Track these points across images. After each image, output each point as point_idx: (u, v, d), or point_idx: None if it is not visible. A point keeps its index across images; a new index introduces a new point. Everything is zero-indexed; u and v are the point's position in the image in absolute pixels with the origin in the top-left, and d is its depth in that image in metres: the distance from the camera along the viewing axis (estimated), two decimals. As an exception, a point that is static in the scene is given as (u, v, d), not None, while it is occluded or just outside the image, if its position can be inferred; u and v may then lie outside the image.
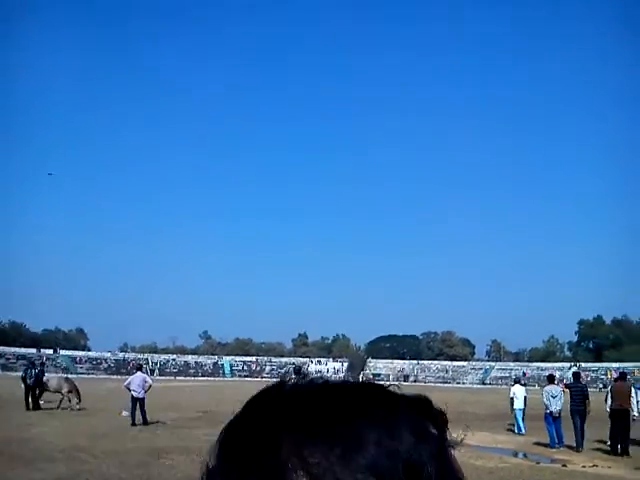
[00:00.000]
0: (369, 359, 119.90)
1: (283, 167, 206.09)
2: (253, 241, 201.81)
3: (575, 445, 14.76)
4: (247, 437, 0.62)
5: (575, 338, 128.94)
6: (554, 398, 15.49)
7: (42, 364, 25.84)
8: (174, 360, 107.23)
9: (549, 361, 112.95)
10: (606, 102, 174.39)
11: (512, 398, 19.48)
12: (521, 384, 20.66)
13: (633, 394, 14.96)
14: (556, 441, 15.21)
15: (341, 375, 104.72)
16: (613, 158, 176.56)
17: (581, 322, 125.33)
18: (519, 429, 19.10)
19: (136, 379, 18.47)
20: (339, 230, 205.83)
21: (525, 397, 19.32)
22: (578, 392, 15.85)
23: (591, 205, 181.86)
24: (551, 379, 16.81)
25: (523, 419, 20.43)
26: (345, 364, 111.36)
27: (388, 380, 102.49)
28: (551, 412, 15.40)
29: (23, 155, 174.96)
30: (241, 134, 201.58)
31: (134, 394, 18.07)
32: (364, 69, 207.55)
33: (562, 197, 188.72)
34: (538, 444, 16.21)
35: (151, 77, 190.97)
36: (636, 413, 14.94)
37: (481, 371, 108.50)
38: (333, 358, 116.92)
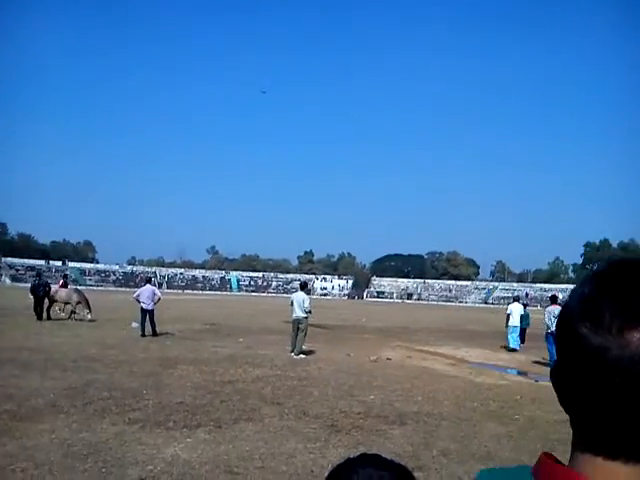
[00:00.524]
0: (374, 277, 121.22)
1: (298, 97, 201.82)
2: (263, 161, 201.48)
3: None
4: None
5: (580, 261, 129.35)
6: (556, 318, 15.62)
7: (41, 275, 25.41)
8: (182, 274, 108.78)
9: (553, 282, 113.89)
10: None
11: (508, 315, 19.87)
12: (520, 302, 20.83)
13: None
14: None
15: (346, 292, 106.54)
16: (621, 80, 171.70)
17: (587, 245, 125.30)
18: (511, 344, 19.47)
19: (145, 291, 18.64)
20: (348, 152, 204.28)
21: (522, 315, 19.52)
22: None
23: (598, 128, 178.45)
24: (554, 299, 16.86)
25: (523, 339, 21.32)
26: (350, 282, 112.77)
27: (392, 298, 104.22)
28: (552, 332, 15.59)
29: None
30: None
31: (143, 306, 18.30)
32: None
33: (568, 120, 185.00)
34: (538, 363, 16.51)
35: None
36: None
37: (484, 291, 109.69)
38: (338, 275, 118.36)
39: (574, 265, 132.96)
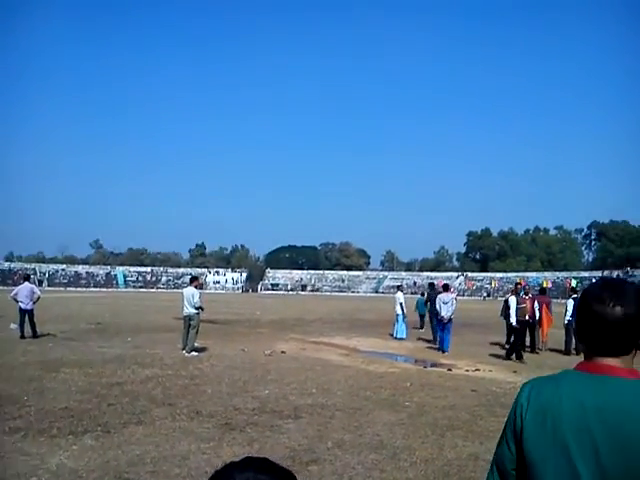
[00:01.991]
0: (268, 269, 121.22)
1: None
2: (149, 148, 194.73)
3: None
4: None
5: (464, 249, 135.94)
6: (445, 304, 16.35)
7: None
8: (64, 270, 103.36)
9: (439, 271, 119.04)
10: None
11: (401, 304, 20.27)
12: (402, 291, 21.48)
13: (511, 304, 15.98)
14: (445, 346, 16.16)
15: (240, 285, 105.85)
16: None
17: (470, 234, 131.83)
18: (397, 334, 20.10)
19: (23, 290, 17.51)
20: (239, 143, 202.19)
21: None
22: (432, 298, 19.17)
23: (474, 121, 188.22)
24: (446, 287, 17.64)
25: (423, 325, 23.55)
26: (244, 275, 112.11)
27: (287, 290, 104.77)
28: (442, 317, 16.28)
29: None
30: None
31: (22, 306, 17.19)
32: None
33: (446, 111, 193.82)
34: (428, 349, 17.20)
35: None
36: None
37: (375, 280, 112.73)
38: (232, 269, 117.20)
39: (458, 254, 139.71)
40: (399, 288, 21.96)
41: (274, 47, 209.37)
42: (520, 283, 18.40)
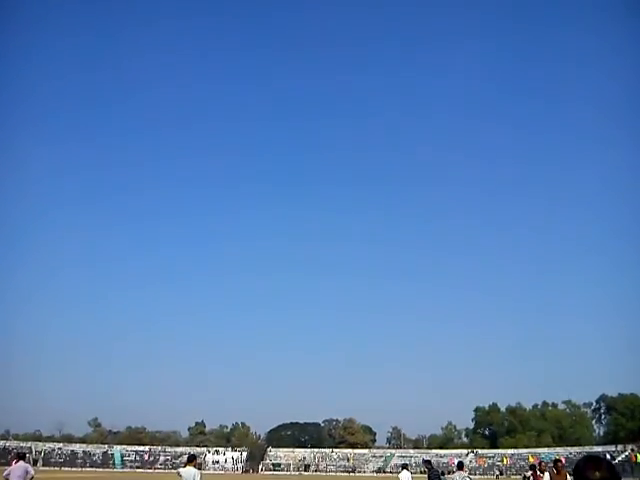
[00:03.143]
0: (269, 448, 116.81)
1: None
2: (144, 322, 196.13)
3: None
4: None
5: (472, 425, 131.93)
6: None
7: None
8: (60, 449, 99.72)
9: (447, 447, 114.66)
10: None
11: None
12: (407, 470, 21.13)
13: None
14: None
15: (240, 465, 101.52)
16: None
17: (477, 409, 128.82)
18: None
19: (17, 470, 16.46)
20: (234, 317, 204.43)
21: None
22: (434, 476, 19.33)
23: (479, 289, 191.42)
24: (460, 466, 17.59)
25: None
26: (244, 454, 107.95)
27: (289, 470, 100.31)
28: None
29: None
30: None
31: (13, 486, 16.35)
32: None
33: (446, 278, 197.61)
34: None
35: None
36: None
37: (382, 459, 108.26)
38: (232, 447, 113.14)
39: (466, 429, 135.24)
40: (404, 467, 21.55)
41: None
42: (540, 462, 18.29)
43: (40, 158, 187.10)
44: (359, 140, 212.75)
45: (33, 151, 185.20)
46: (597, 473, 2.62)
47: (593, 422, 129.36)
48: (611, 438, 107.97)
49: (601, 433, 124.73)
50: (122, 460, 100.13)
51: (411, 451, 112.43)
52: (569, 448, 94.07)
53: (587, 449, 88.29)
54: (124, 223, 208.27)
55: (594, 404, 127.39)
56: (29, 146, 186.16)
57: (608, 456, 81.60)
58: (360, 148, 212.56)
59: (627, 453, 79.88)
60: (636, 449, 78.27)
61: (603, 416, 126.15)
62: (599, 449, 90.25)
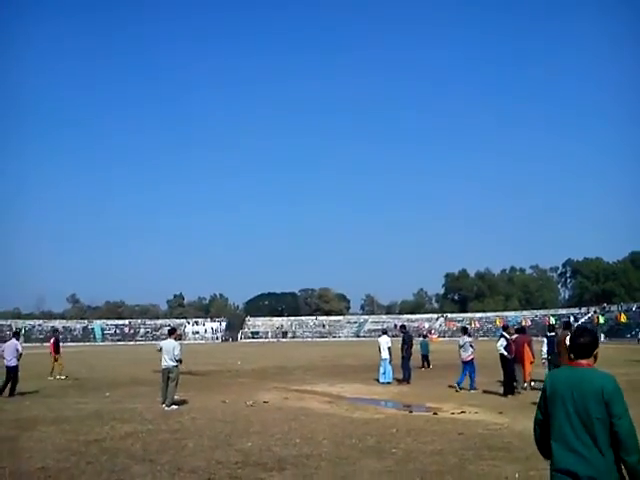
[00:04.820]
0: (248, 317, 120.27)
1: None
2: (123, 200, 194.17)
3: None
4: None
5: (442, 290, 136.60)
6: (471, 347, 17.49)
7: None
8: (40, 326, 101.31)
9: (418, 313, 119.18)
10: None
11: (379, 348, 20.40)
12: (388, 335, 21.44)
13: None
14: (470, 385, 17.10)
15: (219, 334, 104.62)
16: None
17: (447, 275, 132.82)
18: (384, 378, 19.92)
19: (8, 347, 17.07)
20: (212, 188, 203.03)
21: (389, 347, 20.10)
22: (407, 339, 20.96)
23: (447, 164, 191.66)
24: (465, 330, 18.88)
25: (429, 364, 26.71)
26: (223, 324, 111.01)
27: (267, 337, 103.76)
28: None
29: None
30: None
31: (6, 362, 16.75)
32: None
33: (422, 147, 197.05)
34: (413, 394, 17.01)
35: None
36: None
37: (356, 324, 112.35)
38: (211, 318, 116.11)
39: (437, 295, 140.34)
40: (384, 332, 21.81)
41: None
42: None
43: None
44: None
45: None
46: (582, 339, 3.77)
47: (559, 286, 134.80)
48: (576, 301, 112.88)
49: (566, 296, 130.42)
50: (103, 334, 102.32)
51: (384, 317, 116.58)
52: (535, 311, 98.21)
53: (552, 312, 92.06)
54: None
55: (560, 268, 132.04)
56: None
57: (572, 318, 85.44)
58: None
59: (590, 315, 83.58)
60: (599, 311, 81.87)
61: (569, 280, 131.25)
62: (564, 312, 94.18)
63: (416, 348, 24.12)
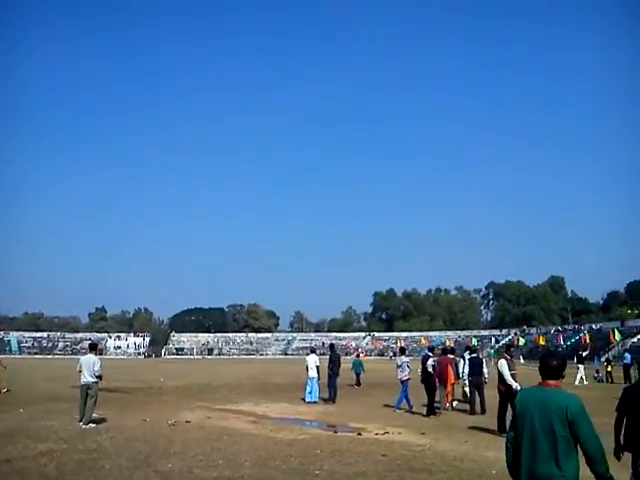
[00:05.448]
0: (173, 333, 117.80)
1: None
2: (46, 207, 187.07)
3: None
4: None
5: (370, 309, 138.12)
6: (399, 367, 17.77)
7: None
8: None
9: (347, 331, 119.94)
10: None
11: (307, 366, 20.28)
12: (316, 353, 21.42)
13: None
14: (397, 405, 17.35)
15: (143, 350, 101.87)
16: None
17: (376, 294, 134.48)
18: (310, 397, 19.86)
19: None
20: (138, 202, 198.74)
21: (317, 366, 20.08)
22: (335, 358, 20.91)
23: (379, 180, 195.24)
24: (402, 351, 19.28)
25: (359, 383, 27.35)
26: (147, 339, 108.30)
27: (192, 354, 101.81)
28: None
29: None
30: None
31: None
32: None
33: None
34: (338, 413, 16.98)
35: None
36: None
37: (284, 342, 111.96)
38: (134, 333, 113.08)
39: (365, 313, 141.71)
40: (312, 351, 21.76)
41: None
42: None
43: None
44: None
45: None
46: (554, 362, 4.07)
47: (482, 307, 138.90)
48: (497, 322, 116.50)
49: (489, 318, 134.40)
50: (19, 346, 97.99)
51: (312, 334, 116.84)
52: (459, 332, 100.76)
53: (475, 332, 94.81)
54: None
55: (483, 290, 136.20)
56: None
57: (493, 339, 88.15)
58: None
59: (511, 337, 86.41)
60: (519, 333, 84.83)
61: (491, 302, 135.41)
62: (486, 332, 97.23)
63: (348, 367, 25.48)
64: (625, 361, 31.58)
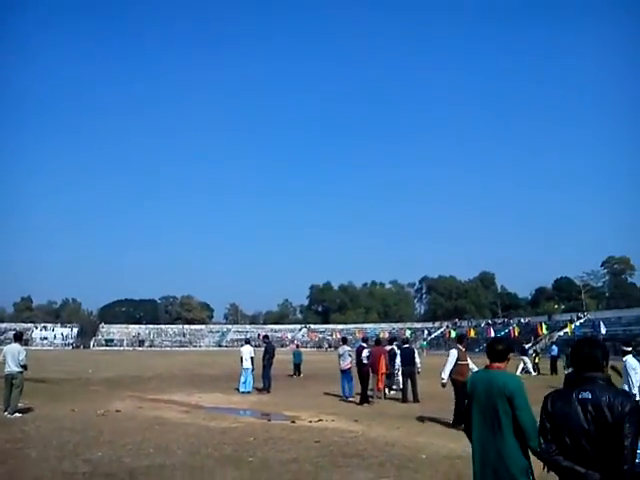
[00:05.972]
0: (102, 324, 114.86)
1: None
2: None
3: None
4: None
5: (307, 302, 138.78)
6: (341, 356, 17.94)
7: None
8: None
9: (282, 323, 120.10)
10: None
11: (241, 357, 20.29)
12: (251, 345, 21.42)
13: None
14: (346, 393, 17.60)
15: (70, 341, 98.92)
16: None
17: (312, 287, 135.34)
18: (244, 387, 19.85)
19: None
20: (68, 189, 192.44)
21: (252, 357, 20.05)
22: (270, 349, 21.26)
23: (319, 174, 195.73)
24: (344, 340, 19.47)
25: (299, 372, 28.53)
26: (75, 330, 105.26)
27: (122, 345, 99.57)
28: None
29: None
30: None
31: None
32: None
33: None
34: (272, 403, 17.01)
35: None
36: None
37: (218, 334, 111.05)
38: (61, 323, 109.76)
39: (301, 306, 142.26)
40: (247, 342, 21.77)
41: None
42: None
43: None
44: None
45: None
46: (499, 346, 4.52)
47: (415, 301, 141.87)
48: (430, 316, 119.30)
49: (422, 311, 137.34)
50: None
51: (247, 326, 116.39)
52: (393, 324, 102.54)
53: (409, 325, 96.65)
54: None
55: (417, 284, 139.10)
56: None
57: (426, 332, 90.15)
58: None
59: (443, 329, 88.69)
60: (451, 326, 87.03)
61: (424, 296, 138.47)
62: (419, 325, 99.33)
63: (289, 358, 27.97)
64: (552, 353, 33.09)
